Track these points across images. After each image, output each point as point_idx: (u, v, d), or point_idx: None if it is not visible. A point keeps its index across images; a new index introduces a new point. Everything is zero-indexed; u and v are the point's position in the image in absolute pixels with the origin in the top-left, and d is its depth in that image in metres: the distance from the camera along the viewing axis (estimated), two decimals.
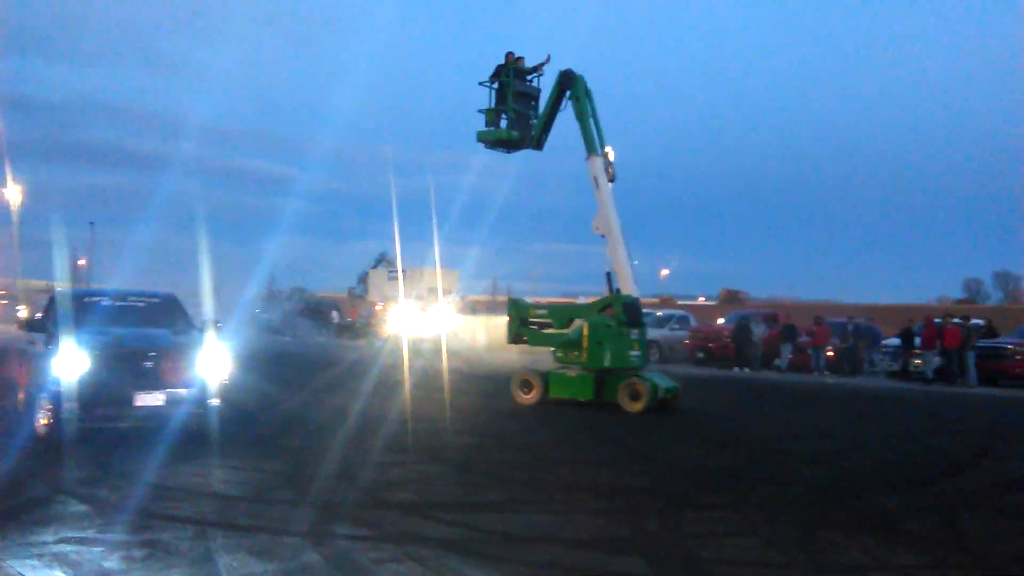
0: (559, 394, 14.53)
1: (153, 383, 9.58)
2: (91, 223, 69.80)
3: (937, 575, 5.78)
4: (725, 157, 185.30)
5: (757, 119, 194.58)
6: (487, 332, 30.35)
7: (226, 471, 8.43)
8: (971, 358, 22.09)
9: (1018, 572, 5.92)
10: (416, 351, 23.56)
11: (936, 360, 22.97)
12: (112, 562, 5.38)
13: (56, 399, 9.21)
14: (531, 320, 15.54)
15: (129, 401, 9.39)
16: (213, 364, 9.97)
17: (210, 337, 10.36)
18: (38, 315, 11.57)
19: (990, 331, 24.23)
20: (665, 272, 73.42)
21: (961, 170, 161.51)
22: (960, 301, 66.42)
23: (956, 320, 23.28)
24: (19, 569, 5.20)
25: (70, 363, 9.27)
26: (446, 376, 18.00)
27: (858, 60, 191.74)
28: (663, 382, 14.51)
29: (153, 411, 9.51)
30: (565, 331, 14.93)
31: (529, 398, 14.62)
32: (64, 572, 5.18)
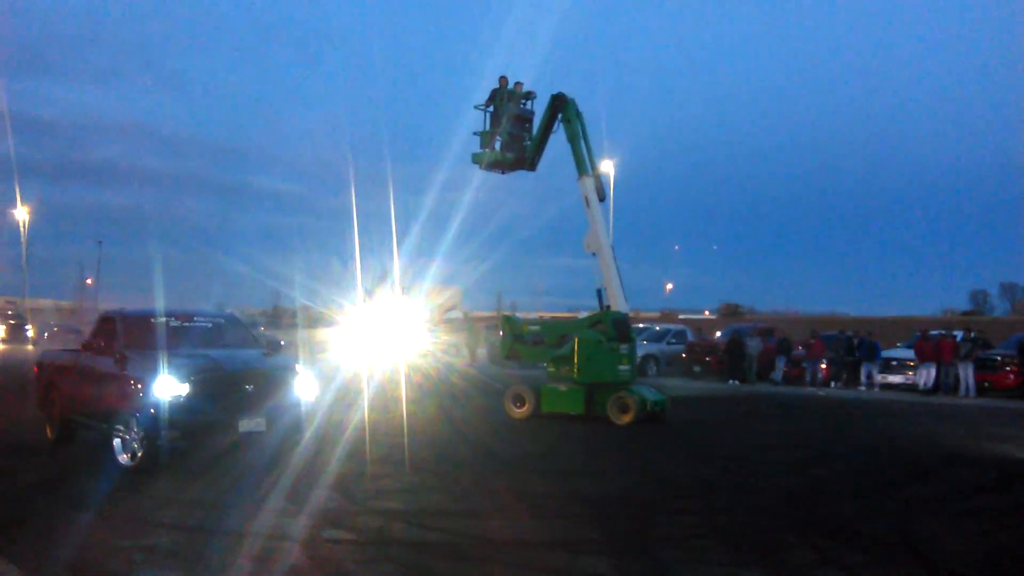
0: (551, 408, 14.96)
1: (255, 407, 9.22)
2: (99, 242, 70.70)
3: (881, 573, 6.20)
4: (734, 171, 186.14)
5: (764, 132, 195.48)
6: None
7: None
8: (969, 368, 22.47)
9: (962, 571, 6.32)
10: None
11: (933, 372, 23.33)
12: None
13: (151, 426, 8.71)
14: (525, 336, 16.02)
15: (234, 427, 9.02)
16: (305, 386, 9.82)
17: (298, 358, 10.09)
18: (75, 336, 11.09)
19: (984, 343, 24.57)
20: (670, 287, 74.02)
21: (967, 181, 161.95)
22: (966, 313, 66.51)
23: (955, 333, 23.70)
24: None
25: (168, 387, 8.81)
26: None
27: (858, 69, 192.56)
28: (651, 395, 14.95)
29: (254, 436, 9.18)
30: (557, 347, 15.39)
31: (522, 412, 15.07)
32: None
